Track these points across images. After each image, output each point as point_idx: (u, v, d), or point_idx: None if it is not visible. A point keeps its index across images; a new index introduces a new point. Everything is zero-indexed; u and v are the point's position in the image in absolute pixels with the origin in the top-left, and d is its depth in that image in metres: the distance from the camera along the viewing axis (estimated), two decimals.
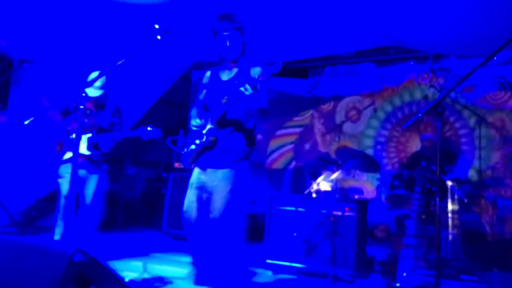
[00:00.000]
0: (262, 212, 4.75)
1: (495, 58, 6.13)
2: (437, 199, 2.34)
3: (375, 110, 6.65)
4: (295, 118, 7.56)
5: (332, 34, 5.81)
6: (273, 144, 7.56)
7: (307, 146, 7.36)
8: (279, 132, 7.57)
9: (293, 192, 6.81)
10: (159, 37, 2.72)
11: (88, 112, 3.66)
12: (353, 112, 7.07)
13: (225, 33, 2.95)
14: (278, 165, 7.43)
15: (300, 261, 3.99)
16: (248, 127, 3.06)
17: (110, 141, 3.62)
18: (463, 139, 6.19)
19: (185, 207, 3.00)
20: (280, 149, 7.51)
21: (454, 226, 4.40)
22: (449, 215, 4.40)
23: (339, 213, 3.91)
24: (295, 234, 4.08)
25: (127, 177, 7.30)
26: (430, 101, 6.51)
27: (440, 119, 2.25)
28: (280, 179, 7.20)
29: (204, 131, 2.93)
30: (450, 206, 4.41)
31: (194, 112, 3.14)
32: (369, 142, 6.92)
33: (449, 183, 4.47)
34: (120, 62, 2.69)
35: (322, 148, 7.23)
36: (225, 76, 3.09)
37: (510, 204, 5.37)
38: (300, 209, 4.17)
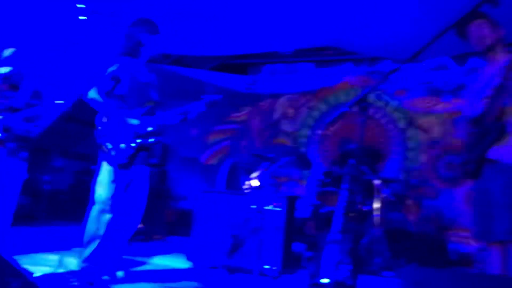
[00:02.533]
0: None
1: (423, 63, 6.38)
2: (356, 195, 2.34)
3: (310, 109, 6.73)
4: (233, 114, 7.51)
5: (272, 31, 5.79)
6: (210, 139, 7.47)
7: (243, 143, 7.33)
8: (216, 128, 7.49)
9: (228, 188, 6.77)
10: (84, 17, 2.60)
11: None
12: (290, 110, 7.12)
13: None
14: (214, 161, 7.35)
15: (226, 257, 3.95)
16: None
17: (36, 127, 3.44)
18: (393, 140, 6.38)
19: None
20: (217, 145, 7.43)
21: (380, 223, 4.50)
22: (376, 213, 4.49)
23: (268, 209, 3.90)
24: (222, 229, 4.04)
25: (53, 169, 6.97)
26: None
27: (363, 114, 2.26)
28: (215, 175, 7.13)
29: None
30: (376, 204, 4.51)
31: None
32: (304, 140, 6.99)
33: (377, 181, 4.57)
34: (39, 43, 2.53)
35: (258, 145, 7.23)
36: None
37: (434, 204, 5.59)
38: (229, 204, 4.12)
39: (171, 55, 7.43)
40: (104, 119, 3.11)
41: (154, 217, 5.60)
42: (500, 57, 2.70)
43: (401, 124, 6.25)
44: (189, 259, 4.20)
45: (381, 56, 6.49)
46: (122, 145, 3.08)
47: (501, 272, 2.53)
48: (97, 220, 3.05)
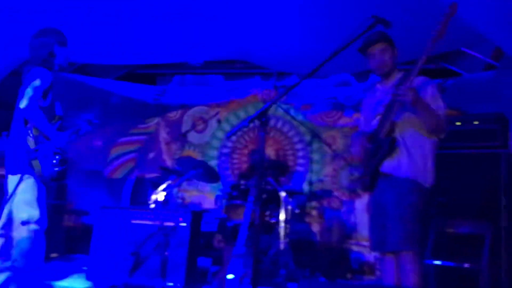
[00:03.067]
0: None
1: (328, 80, 6.66)
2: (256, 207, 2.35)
3: (219, 122, 6.73)
4: (140, 126, 7.29)
5: (182, 41, 5.73)
6: (114, 152, 7.17)
7: (151, 155, 7.14)
8: (121, 140, 7.22)
9: (134, 203, 6.54)
10: None
11: None
12: (200, 123, 7.06)
13: None
14: (119, 174, 7.07)
15: (127, 275, 3.79)
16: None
17: None
18: (300, 153, 6.56)
19: None
20: (122, 157, 7.16)
21: (285, 235, 4.57)
22: (281, 224, 4.56)
23: (172, 224, 3.81)
24: (123, 246, 3.87)
25: None
26: (267, 115, 6.83)
27: (263, 129, 2.28)
28: (120, 189, 6.86)
29: None
30: (282, 216, 4.58)
31: None
32: (214, 153, 6.97)
33: (283, 194, 4.65)
34: None
35: (166, 158, 7.08)
36: None
37: (337, 214, 5.80)
38: (133, 220, 3.98)
39: (74, 63, 7.09)
40: (33, 134, 3.02)
41: (52, 233, 5.27)
42: (392, 76, 2.86)
43: (307, 137, 6.44)
44: (88, 278, 3.98)
45: (287, 71, 6.67)
46: (54, 161, 3.09)
47: (395, 281, 2.66)
48: (34, 240, 3.03)
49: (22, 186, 2.99)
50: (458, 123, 4.06)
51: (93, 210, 5.70)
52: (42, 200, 3.11)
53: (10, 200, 3.00)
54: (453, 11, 2.46)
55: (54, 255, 5.28)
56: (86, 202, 6.32)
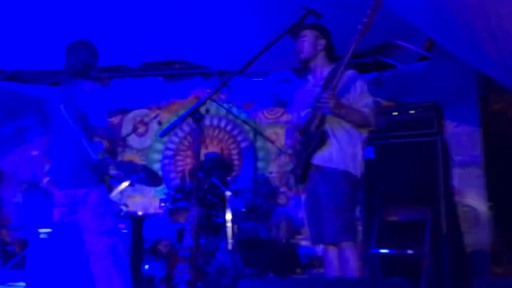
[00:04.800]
0: None
1: (269, 77, 6.67)
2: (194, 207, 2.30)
3: (159, 124, 6.59)
4: None
5: (119, 44, 5.56)
6: None
7: None
8: None
9: None
10: None
11: None
12: (140, 126, 6.89)
13: None
14: None
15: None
16: None
17: None
18: (244, 152, 6.53)
19: None
20: None
21: (232, 235, 4.53)
22: (228, 224, 4.51)
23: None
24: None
25: None
26: (210, 115, 6.80)
27: (198, 126, 2.22)
28: None
29: None
30: (228, 216, 4.54)
31: None
32: (157, 156, 6.82)
33: (228, 193, 4.60)
34: None
35: (107, 163, 6.84)
36: None
37: (284, 211, 5.81)
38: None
39: (4, 70, 6.75)
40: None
41: None
42: (322, 68, 2.86)
43: (251, 135, 6.42)
44: None
45: (228, 70, 6.62)
46: None
47: (336, 273, 2.67)
48: None
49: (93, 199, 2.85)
50: (395, 113, 4.16)
51: (30, 223, 5.41)
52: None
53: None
54: (378, 4, 2.48)
55: None
56: (24, 215, 6.01)
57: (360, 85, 2.76)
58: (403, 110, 4.16)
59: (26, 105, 6.76)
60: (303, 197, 2.95)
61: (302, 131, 2.79)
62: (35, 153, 6.80)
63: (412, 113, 4.08)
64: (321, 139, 2.66)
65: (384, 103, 5.33)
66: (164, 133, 2.36)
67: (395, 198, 3.87)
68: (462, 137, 5.18)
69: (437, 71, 5.39)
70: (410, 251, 3.56)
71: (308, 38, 2.79)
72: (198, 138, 2.22)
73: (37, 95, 6.92)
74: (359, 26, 2.53)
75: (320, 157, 2.70)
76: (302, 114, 2.85)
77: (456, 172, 4.50)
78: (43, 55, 5.73)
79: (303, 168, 2.76)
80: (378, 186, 3.96)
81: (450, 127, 5.00)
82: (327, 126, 2.68)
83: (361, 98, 2.71)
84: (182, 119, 2.20)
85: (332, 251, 2.71)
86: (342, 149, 2.68)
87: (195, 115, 2.20)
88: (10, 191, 6.20)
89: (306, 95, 2.89)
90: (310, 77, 2.95)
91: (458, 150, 4.90)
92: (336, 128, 2.70)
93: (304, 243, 5.57)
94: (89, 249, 2.89)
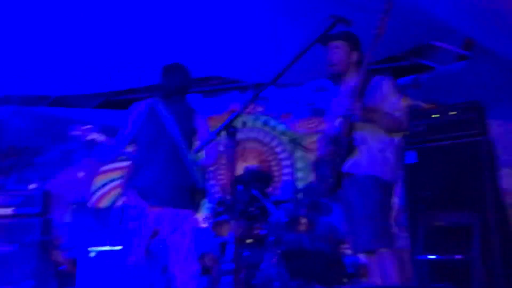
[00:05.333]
0: None
1: (305, 86, 6.67)
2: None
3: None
4: None
5: (155, 64, 5.67)
6: (98, 181, 7.09)
7: None
8: (103, 168, 7.14)
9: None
10: None
11: None
12: None
13: None
14: (105, 203, 6.97)
15: None
16: None
17: None
18: (284, 163, 6.53)
19: None
20: (106, 186, 7.07)
21: (276, 246, 4.51)
22: (271, 236, 4.50)
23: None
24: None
25: None
26: (248, 128, 6.85)
27: (232, 140, 2.24)
28: (107, 218, 6.76)
29: None
30: (271, 228, 4.53)
31: None
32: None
33: (270, 204, 4.60)
34: None
35: None
36: None
37: (328, 220, 5.74)
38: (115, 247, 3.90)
39: (49, 96, 7.04)
40: None
41: (39, 271, 5.17)
42: (352, 77, 2.83)
43: (289, 146, 6.41)
44: None
45: (264, 82, 6.65)
46: None
47: (378, 281, 2.62)
48: None
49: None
50: (435, 116, 4.05)
51: (80, 243, 5.59)
52: None
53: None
54: (389, 6, 2.45)
55: None
56: (73, 235, 6.21)
57: (387, 86, 2.72)
58: (443, 112, 4.04)
59: (71, 128, 7.00)
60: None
61: (333, 141, 2.78)
62: (81, 174, 7.04)
63: (453, 115, 3.96)
64: (349, 146, 2.64)
65: (424, 105, 5.22)
66: (198, 149, 2.38)
67: (440, 203, 3.76)
68: (508, 136, 4.99)
69: (477, 69, 5.24)
70: (458, 257, 3.44)
71: (340, 50, 2.77)
72: (232, 152, 2.23)
73: (81, 119, 7.18)
74: (374, 30, 2.51)
75: (349, 164, 2.67)
76: (335, 124, 2.83)
77: (505, 172, 4.33)
78: (85, 79, 5.94)
79: (335, 177, 2.73)
80: (422, 191, 3.86)
81: (495, 126, 4.82)
82: (356, 133, 2.66)
83: (388, 99, 2.66)
84: (216, 134, 2.23)
85: (373, 259, 2.66)
86: (372, 155, 2.64)
87: (229, 129, 2.22)
88: (59, 212, 6.43)
89: (337, 105, 2.87)
90: (341, 87, 2.93)
91: (505, 150, 4.72)
92: (365, 134, 2.67)
93: (350, 252, 5.48)
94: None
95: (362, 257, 4.80)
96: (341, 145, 2.68)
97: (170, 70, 3.19)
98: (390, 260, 2.50)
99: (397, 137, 2.74)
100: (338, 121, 2.78)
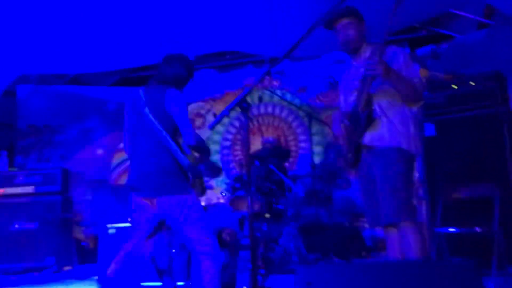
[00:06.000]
0: None
1: (322, 59, 6.58)
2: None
3: (214, 116, 6.68)
4: None
5: (170, 39, 5.68)
6: (117, 158, 7.17)
7: None
8: (122, 145, 7.20)
9: None
10: None
11: None
12: (198, 119, 7.03)
13: None
14: (123, 180, 7.07)
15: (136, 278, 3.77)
16: None
17: None
18: (301, 137, 6.50)
19: None
20: (125, 163, 7.15)
21: (294, 221, 4.53)
22: (289, 211, 4.52)
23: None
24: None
25: None
26: (264, 103, 6.81)
27: (245, 115, 2.23)
28: (127, 194, 6.85)
29: None
30: (289, 202, 4.54)
31: None
32: (215, 147, 6.93)
33: (287, 180, 4.59)
34: None
35: None
36: None
37: (345, 194, 5.73)
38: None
39: (67, 75, 7.09)
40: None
41: (61, 247, 5.31)
42: (363, 50, 2.78)
43: (306, 120, 6.36)
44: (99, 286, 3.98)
45: (280, 56, 6.58)
46: None
47: (398, 255, 2.60)
48: None
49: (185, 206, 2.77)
50: (454, 86, 3.98)
51: (101, 220, 5.70)
52: None
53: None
54: None
55: (67, 267, 5.30)
56: (95, 212, 6.33)
57: (403, 57, 2.67)
58: (463, 82, 3.97)
59: (89, 106, 7.08)
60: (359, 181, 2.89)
61: (350, 116, 2.73)
62: (100, 152, 7.13)
63: (473, 85, 3.88)
64: (369, 118, 2.59)
65: (443, 76, 5.11)
66: (212, 125, 2.32)
67: (459, 175, 3.72)
68: None
69: (498, 38, 5.09)
70: (478, 229, 3.41)
71: (354, 26, 2.72)
72: (246, 127, 2.22)
73: (98, 96, 7.23)
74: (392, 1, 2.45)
75: (370, 137, 2.63)
76: (350, 99, 2.78)
77: None
78: (102, 57, 5.95)
79: (354, 151, 2.70)
80: (441, 163, 3.82)
81: None
82: (375, 105, 2.61)
83: (405, 69, 2.60)
84: (229, 110, 2.22)
85: (392, 233, 2.64)
86: (394, 126, 2.59)
87: (242, 105, 2.20)
88: (80, 189, 6.55)
89: (351, 79, 2.82)
90: (353, 62, 2.88)
91: None
92: (385, 105, 2.61)
93: (368, 225, 5.49)
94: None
95: (380, 230, 4.81)
96: (358, 118, 2.63)
97: (169, 59, 3.11)
98: (412, 234, 2.47)
99: (416, 109, 2.68)
100: (354, 96, 2.73)
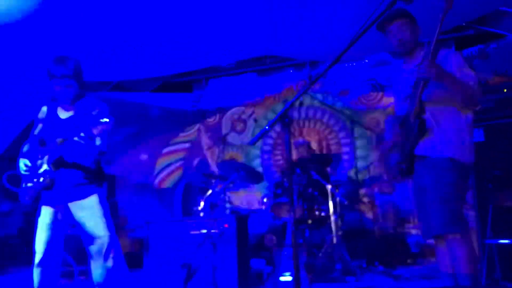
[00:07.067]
0: None
1: (367, 61, 6.45)
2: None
3: (255, 121, 6.67)
4: (181, 134, 7.37)
5: (211, 45, 5.74)
6: (160, 162, 7.29)
7: (196, 162, 7.20)
8: (165, 150, 7.33)
9: (185, 210, 6.62)
10: None
11: None
12: (238, 123, 7.05)
13: (60, 79, 2.88)
14: (167, 184, 7.18)
15: (182, 286, 3.81)
16: (88, 166, 2.98)
17: None
18: (343, 141, 6.39)
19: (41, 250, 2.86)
20: (168, 167, 7.27)
21: (337, 228, 4.47)
22: (332, 217, 4.46)
23: (217, 231, 3.80)
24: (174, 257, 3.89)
25: (0, 213, 6.63)
26: (304, 106, 6.74)
27: (287, 130, 2.20)
28: (170, 198, 6.97)
29: (40, 171, 2.79)
30: (331, 209, 4.48)
31: (26, 148, 2.96)
32: (255, 152, 6.92)
33: (329, 186, 4.54)
34: None
35: (211, 162, 7.11)
36: (62, 114, 3.01)
37: (389, 199, 5.61)
38: (178, 231, 4.00)
39: (110, 82, 7.26)
40: None
41: None
42: (415, 54, 2.69)
43: (348, 124, 6.26)
44: None
45: (320, 59, 6.51)
46: None
47: (448, 268, 2.51)
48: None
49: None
50: (505, 90, 3.82)
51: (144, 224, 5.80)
52: None
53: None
54: None
55: None
56: (139, 216, 6.45)
57: (455, 59, 2.56)
58: None
59: (132, 112, 7.22)
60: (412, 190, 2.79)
61: (402, 123, 2.64)
62: (144, 157, 7.27)
63: None
64: (420, 128, 2.49)
65: (493, 79, 4.90)
66: (254, 141, 2.30)
67: (509, 182, 3.56)
68: None
69: None
70: None
71: (409, 26, 2.65)
72: (288, 142, 2.19)
73: (141, 102, 7.38)
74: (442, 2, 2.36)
75: (423, 146, 2.54)
76: (403, 106, 2.69)
77: None
78: (144, 64, 6.06)
79: (407, 160, 2.61)
80: (490, 170, 3.67)
81: None
82: (427, 113, 2.51)
83: (459, 71, 2.49)
84: (270, 126, 2.20)
85: (441, 244, 2.55)
86: (446, 135, 2.49)
87: (284, 119, 2.17)
88: (124, 194, 6.70)
89: (403, 85, 2.73)
90: (404, 66, 2.79)
91: None
92: (438, 113, 2.51)
93: (414, 231, 5.35)
94: None
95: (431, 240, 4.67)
96: (411, 126, 2.54)
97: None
98: (460, 247, 2.38)
99: (471, 115, 2.57)
100: (407, 101, 2.63)
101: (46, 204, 2.92)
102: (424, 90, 2.49)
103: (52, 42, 5.03)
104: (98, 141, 2.82)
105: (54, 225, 2.90)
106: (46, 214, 2.92)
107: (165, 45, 5.57)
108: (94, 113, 2.79)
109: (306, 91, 2.40)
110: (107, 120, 2.56)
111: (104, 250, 2.88)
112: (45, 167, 2.78)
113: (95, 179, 2.99)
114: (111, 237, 2.91)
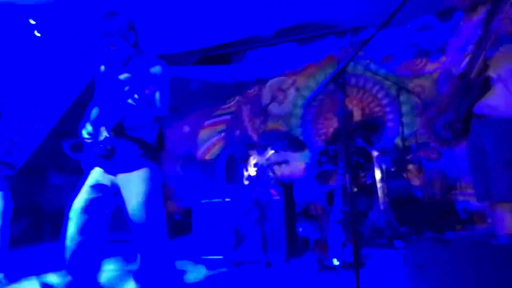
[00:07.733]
0: None
1: (407, 26, 6.25)
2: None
3: (297, 90, 6.60)
4: (222, 106, 7.41)
5: (249, 15, 5.69)
6: (203, 134, 7.38)
7: (237, 133, 7.24)
8: (207, 122, 7.40)
9: (228, 181, 6.70)
10: (37, 33, 2.45)
11: None
12: (279, 94, 7.01)
13: (104, 38, 2.71)
14: (210, 155, 7.26)
15: (231, 252, 3.87)
16: (138, 135, 2.76)
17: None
18: (387, 109, 6.27)
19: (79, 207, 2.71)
20: (211, 139, 7.34)
21: (384, 195, 4.42)
22: (378, 184, 4.41)
23: (264, 199, 3.83)
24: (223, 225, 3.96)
25: (52, 187, 6.88)
26: (347, 74, 6.59)
27: (341, 91, 2.15)
28: (213, 169, 7.06)
29: (100, 138, 2.67)
30: (378, 176, 4.43)
31: (94, 112, 2.90)
32: (297, 121, 6.88)
33: (375, 153, 4.48)
34: None
35: (252, 133, 7.13)
36: (120, 75, 2.81)
37: (436, 166, 5.49)
38: (226, 199, 4.05)
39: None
40: None
41: None
42: (477, 11, 2.55)
43: (393, 91, 6.11)
44: (193, 258, 4.13)
45: (361, 25, 6.35)
46: None
47: (509, 233, 2.43)
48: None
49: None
50: None
51: (190, 194, 5.90)
52: None
53: None
54: None
55: None
56: (184, 186, 6.57)
57: None
58: None
59: (174, 85, 7.28)
60: (459, 149, 2.68)
61: (460, 78, 2.51)
62: (186, 129, 7.36)
63: None
64: (484, 85, 2.37)
65: None
66: (308, 102, 2.24)
67: None
68: None
69: None
70: None
71: None
72: (342, 103, 2.15)
73: (182, 75, 7.42)
74: None
75: (484, 105, 2.40)
76: (462, 65, 2.55)
77: None
78: (184, 37, 6.08)
79: (462, 120, 2.49)
80: None
81: None
82: (491, 71, 2.38)
83: None
84: (324, 86, 2.16)
85: (504, 210, 2.45)
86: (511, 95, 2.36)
87: (338, 79, 2.13)
88: (170, 165, 6.82)
89: (462, 44, 2.59)
90: (463, 24, 2.64)
91: None
92: (503, 71, 2.38)
93: (461, 198, 5.24)
94: None
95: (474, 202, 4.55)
96: (471, 84, 2.42)
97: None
98: None
99: None
100: (466, 60, 2.49)
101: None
102: (490, 47, 2.36)
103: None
104: (157, 103, 2.69)
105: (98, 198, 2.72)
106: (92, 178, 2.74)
107: (203, 17, 5.56)
108: (150, 72, 2.65)
109: (359, 51, 2.34)
110: (163, 79, 2.45)
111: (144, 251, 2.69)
112: (105, 134, 2.65)
113: (148, 149, 2.73)
114: (152, 236, 2.67)
